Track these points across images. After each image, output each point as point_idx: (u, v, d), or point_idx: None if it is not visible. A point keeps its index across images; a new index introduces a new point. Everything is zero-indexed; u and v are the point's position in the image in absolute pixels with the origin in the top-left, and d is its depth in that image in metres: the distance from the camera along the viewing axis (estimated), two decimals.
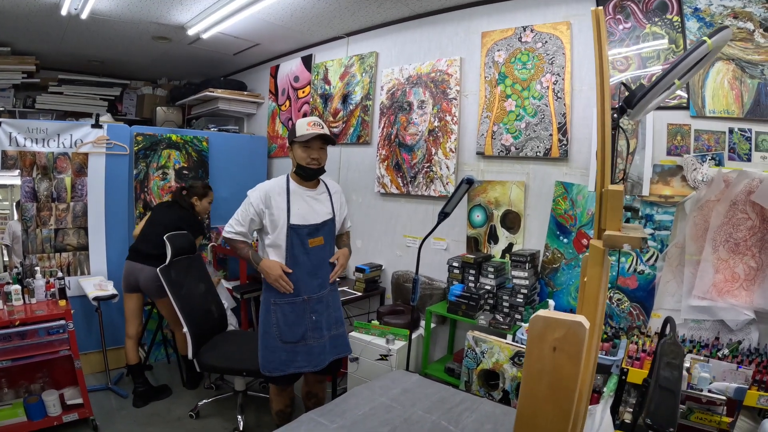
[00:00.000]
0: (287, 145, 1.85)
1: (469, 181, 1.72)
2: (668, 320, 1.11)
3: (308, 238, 1.78)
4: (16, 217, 2.69)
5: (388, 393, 1.70)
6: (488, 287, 2.13)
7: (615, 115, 1.49)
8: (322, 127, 1.76)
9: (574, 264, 2.12)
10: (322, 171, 1.83)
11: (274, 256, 1.79)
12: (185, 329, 2.17)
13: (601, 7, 0.70)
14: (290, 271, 1.76)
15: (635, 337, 1.80)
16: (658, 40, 1.88)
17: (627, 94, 1.44)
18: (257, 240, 1.91)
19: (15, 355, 2.01)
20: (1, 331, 1.97)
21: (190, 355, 2.18)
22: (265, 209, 1.77)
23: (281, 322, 1.77)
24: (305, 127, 1.74)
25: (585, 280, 0.68)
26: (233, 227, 1.83)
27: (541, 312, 0.52)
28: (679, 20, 1.83)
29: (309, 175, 1.80)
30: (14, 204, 2.72)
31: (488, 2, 2.35)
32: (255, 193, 1.80)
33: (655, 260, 1.89)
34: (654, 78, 1.49)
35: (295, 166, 1.81)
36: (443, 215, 1.81)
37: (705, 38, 1.28)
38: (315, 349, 1.80)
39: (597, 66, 0.68)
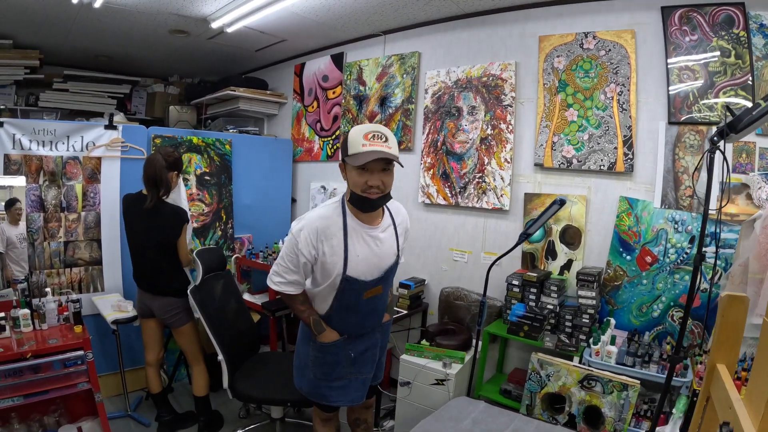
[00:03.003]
0: (339, 160, 1.39)
1: (561, 202, 1.57)
2: None
3: (365, 290, 1.44)
4: (8, 219, 2.39)
5: (458, 425, 1.58)
6: (551, 306, 2.02)
7: (715, 138, 1.39)
8: (386, 141, 1.27)
9: (637, 282, 2.03)
10: (387, 198, 1.37)
11: (317, 302, 1.50)
12: (220, 356, 1.97)
13: None
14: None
15: (697, 356, 1.76)
16: (725, 55, 1.81)
17: (730, 117, 1.36)
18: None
19: (27, 391, 1.77)
20: (12, 365, 1.73)
21: (225, 383, 1.97)
22: (317, 255, 1.36)
23: (315, 360, 1.52)
24: (360, 141, 1.26)
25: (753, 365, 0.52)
26: (283, 276, 1.42)
27: None
28: (745, 35, 1.75)
29: (368, 207, 1.36)
30: (3, 204, 2.40)
31: (545, 5, 2.20)
32: (303, 233, 1.35)
33: (719, 279, 1.81)
34: (763, 103, 1.39)
35: (350, 193, 1.37)
36: (525, 236, 1.66)
37: None
38: (354, 384, 1.54)
39: None
